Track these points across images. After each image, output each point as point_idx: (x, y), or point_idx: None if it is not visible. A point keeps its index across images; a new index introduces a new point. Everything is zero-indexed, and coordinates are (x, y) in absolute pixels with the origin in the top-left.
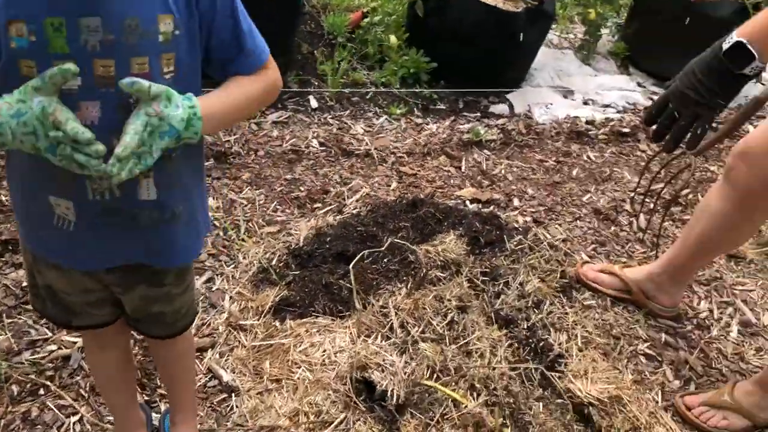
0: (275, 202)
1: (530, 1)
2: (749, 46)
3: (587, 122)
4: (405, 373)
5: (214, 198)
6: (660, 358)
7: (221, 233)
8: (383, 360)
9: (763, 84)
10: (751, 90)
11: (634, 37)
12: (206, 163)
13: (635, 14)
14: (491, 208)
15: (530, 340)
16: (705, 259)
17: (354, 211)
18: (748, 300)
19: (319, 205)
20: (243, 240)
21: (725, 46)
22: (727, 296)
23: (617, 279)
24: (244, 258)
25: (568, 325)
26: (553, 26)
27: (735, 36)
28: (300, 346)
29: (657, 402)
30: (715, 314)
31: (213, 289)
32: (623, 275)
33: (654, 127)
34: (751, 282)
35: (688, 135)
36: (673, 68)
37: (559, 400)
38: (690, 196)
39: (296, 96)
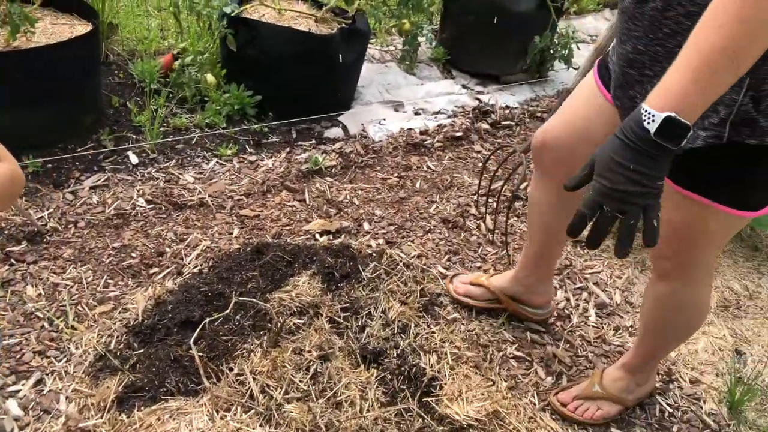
0: (105, 277)
1: (343, 21)
2: (679, 119)
3: (421, 132)
4: None
5: (32, 285)
6: (530, 358)
7: (46, 325)
8: None
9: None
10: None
11: (450, 41)
12: (18, 248)
13: (447, 19)
14: (342, 237)
15: (402, 368)
16: (556, 249)
17: (195, 270)
18: (599, 282)
19: (156, 269)
20: (73, 327)
21: (651, 127)
22: (580, 281)
23: (485, 290)
24: (76, 348)
25: (436, 344)
26: (372, 41)
27: (654, 110)
28: None
29: (534, 404)
30: (572, 302)
31: (44, 392)
32: (489, 285)
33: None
34: (599, 263)
35: (645, 230)
36: (491, 64)
37: (440, 428)
38: (528, 189)
39: (113, 155)
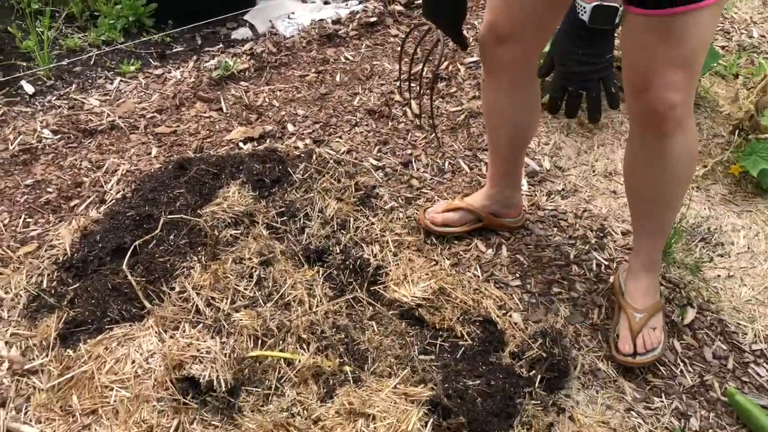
0: (23, 216)
1: None
2: (606, 3)
3: (334, 22)
4: (225, 354)
5: None
6: (469, 235)
7: None
8: (197, 350)
9: None
10: None
11: None
12: None
13: None
14: (267, 142)
15: (347, 263)
16: (523, 150)
17: (118, 196)
18: (528, 151)
19: (77, 201)
20: None
21: (585, 17)
22: None
23: (464, 212)
24: (6, 293)
25: (377, 235)
26: None
27: (584, 2)
28: (104, 366)
29: (478, 277)
30: None
31: None
32: (468, 206)
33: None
34: None
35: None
36: None
37: (391, 313)
38: (450, 68)
39: (4, 87)
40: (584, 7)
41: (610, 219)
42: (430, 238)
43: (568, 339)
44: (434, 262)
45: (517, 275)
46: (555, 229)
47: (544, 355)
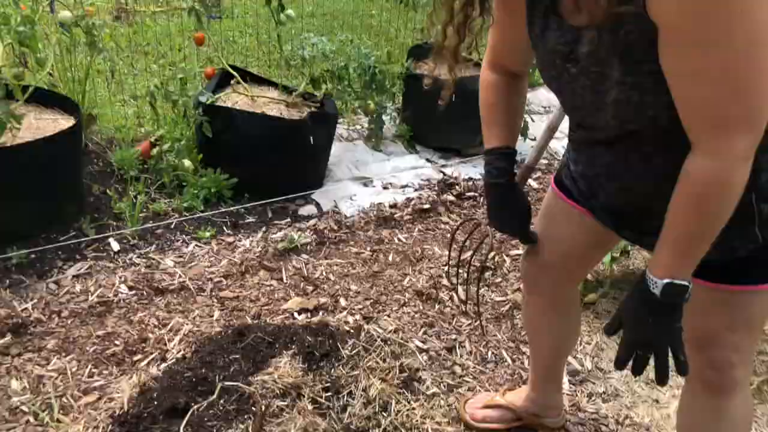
0: (90, 366)
1: (312, 105)
2: (677, 282)
3: (391, 206)
4: None
5: (17, 379)
6: (508, 428)
7: (32, 419)
8: None
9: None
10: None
11: (412, 118)
12: (2, 341)
13: (408, 98)
14: (320, 314)
15: None
16: (563, 361)
17: (178, 355)
18: None
19: (140, 356)
20: (58, 420)
21: (657, 291)
22: None
23: (504, 410)
24: None
25: (417, 421)
26: (340, 121)
27: (655, 278)
28: None
29: None
30: None
31: None
32: (509, 404)
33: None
34: None
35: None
36: (452, 139)
37: None
38: (496, 258)
39: (94, 243)
40: (655, 282)
41: (652, 429)
42: None
43: None
44: None
45: None
46: None
47: None
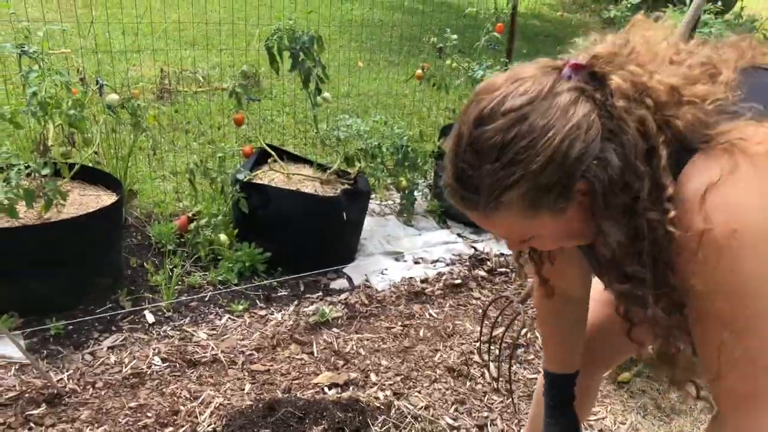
0: None
1: (345, 182)
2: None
3: (422, 281)
4: None
5: None
6: None
7: None
8: None
9: None
10: None
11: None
12: (37, 411)
13: (440, 176)
14: (351, 389)
15: None
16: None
17: (209, 429)
18: (604, 429)
19: (171, 428)
20: None
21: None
22: (586, 428)
23: None
24: None
25: None
26: (372, 197)
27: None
28: None
29: None
30: None
31: None
32: None
33: None
34: (602, 410)
35: None
36: None
37: None
38: (528, 335)
39: (130, 314)
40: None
41: None
42: None
43: None
44: None
45: None
46: None
47: None
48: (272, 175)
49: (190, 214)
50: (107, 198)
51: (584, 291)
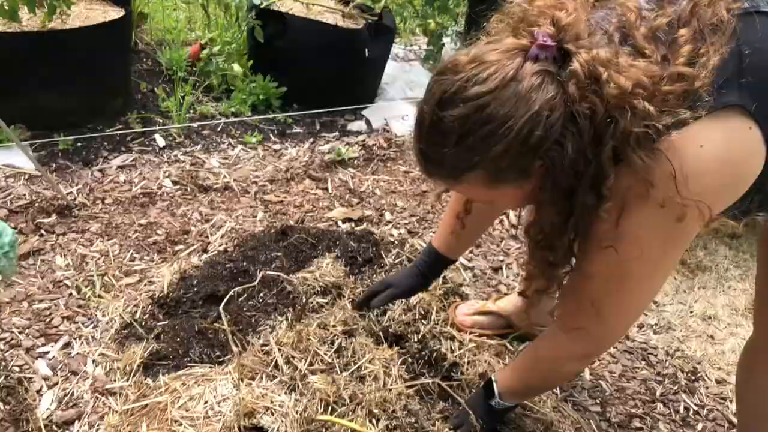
0: (131, 251)
1: (369, 17)
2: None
3: None
4: (297, 412)
5: (61, 256)
6: None
7: (74, 293)
8: (271, 402)
9: None
10: None
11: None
12: (48, 220)
13: (472, 21)
14: (364, 225)
15: (423, 353)
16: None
17: (220, 248)
18: None
19: (181, 246)
20: (100, 296)
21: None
22: None
23: (496, 317)
24: (103, 315)
25: (455, 330)
26: (397, 40)
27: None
28: (178, 401)
29: (556, 394)
30: None
31: (72, 355)
32: (501, 311)
33: None
34: None
35: None
36: None
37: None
38: None
39: (140, 136)
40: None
41: (704, 363)
42: (513, 344)
43: None
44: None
45: (598, 401)
46: (643, 362)
47: None
48: (290, 4)
49: (202, 42)
50: (114, 14)
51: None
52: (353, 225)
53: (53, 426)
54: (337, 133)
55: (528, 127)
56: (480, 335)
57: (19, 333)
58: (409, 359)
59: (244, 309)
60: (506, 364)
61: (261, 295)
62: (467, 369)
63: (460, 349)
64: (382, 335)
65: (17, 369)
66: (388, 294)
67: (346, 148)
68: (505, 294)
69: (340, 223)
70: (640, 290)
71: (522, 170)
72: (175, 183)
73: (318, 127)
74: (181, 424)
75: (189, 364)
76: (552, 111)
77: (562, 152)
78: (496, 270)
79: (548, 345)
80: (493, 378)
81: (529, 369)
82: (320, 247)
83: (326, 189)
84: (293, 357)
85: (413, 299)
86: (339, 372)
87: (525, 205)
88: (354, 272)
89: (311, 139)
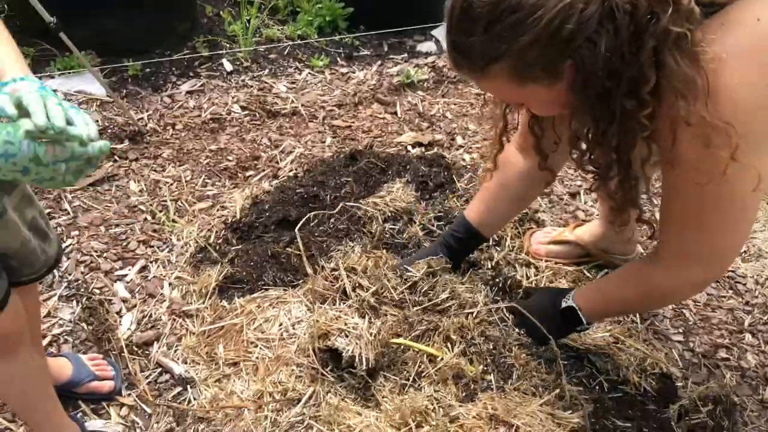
0: (203, 176)
1: None
2: (580, 314)
3: None
4: (371, 335)
5: (135, 181)
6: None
7: (148, 217)
8: (345, 324)
9: None
10: None
11: None
12: (121, 146)
13: None
14: (435, 150)
15: (497, 280)
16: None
17: (290, 174)
18: None
19: (252, 172)
20: (174, 221)
21: (564, 303)
22: None
23: (572, 246)
24: (178, 240)
25: (530, 257)
26: None
27: (571, 300)
28: (253, 323)
29: (636, 323)
30: None
31: (149, 278)
32: (578, 240)
33: None
34: None
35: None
36: None
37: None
38: None
39: (208, 61)
40: (568, 298)
41: None
42: (591, 271)
43: (738, 413)
44: None
45: (680, 330)
46: (730, 291)
47: (711, 423)
48: None
49: None
50: None
51: (545, 180)
52: (423, 150)
53: (133, 346)
54: (405, 55)
55: (559, 18)
56: (556, 263)
57: (98, 256)
58: (483, 286)
59: (316, 234)
60: (582, 287)
61: (332, 220)
62: None
63: (536, 275)
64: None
65: (97, 291)
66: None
67: (415, 71)
68: (583, 221)
69: (409, 148)
70: (733, 203)
71: (550, 67)
72: (243, 108)
73: (386, 49)
74: (256, 346)
75: (263, 287)
76: (587, 4)
77: (595, 51)
78: (574, 195)
79: (662, 274)
80: (575, 306)
81: (631, 300)
82: (390, 172)
83: (395, 113)
84: (361, 285)
85: None
86: (415, 297)
87: (560, 111)
88: (425, 197)
89: (379, 62)
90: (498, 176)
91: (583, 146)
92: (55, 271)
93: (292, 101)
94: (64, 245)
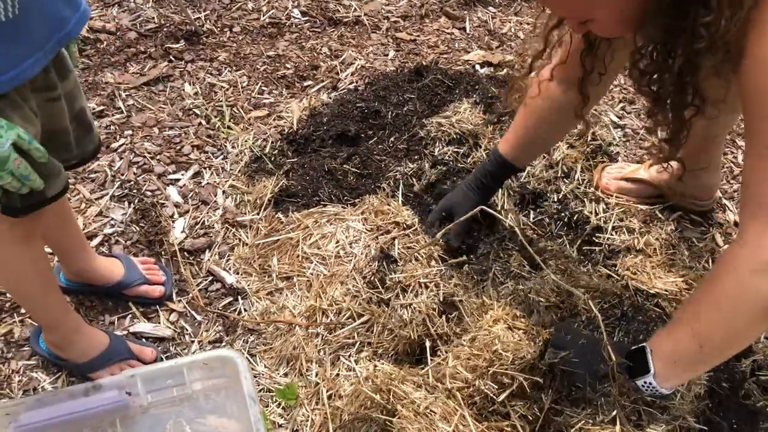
0: (260, 83)
1: None
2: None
3: None
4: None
5: (190, 84)
6: (709, 222)
7: (203, 122)
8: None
9: None
10: None
11: None
12: (177, 45)
13: None
14: (505, 71)
15: (562, 214)
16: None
17: (350, 87)
18: None
19: (311, 82)
20: (229, 128)
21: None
22: None
23: (645, 185)
24: (233, 147)
25: (599, 194)
26: None
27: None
28: (310, 239)
29: (708, 269)
30: None
31: (202, 184)
32: (653, 180)
33: None
34: None
35: None
36: None
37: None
38: None
39: None
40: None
41: None
42: (664, 212)
43: None
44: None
45: None
46: None
47: None
48: None
49: None
50: None
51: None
52: (492, 70)
53: (185, 252)
54: None
55: None
56: (627, 200)
57: (151, 158)
58: (547, 219)
59: (375, 153)
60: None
61: (392, 139)
62: (612, 235)
63: (605, 212)
64: (518, 193)
65: (149, 194)
66: (454, 229)
67: None
68: None
69: (477, 67)
70: None
71: None
72: (303, 14)
73: None
74: (311, 261)
75: (320, 203)
76: None
77: None
78: (650, 131)
79: (748, 240)
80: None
81: (722, 308)
82: (457, 91)
83: (463, 29)
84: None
85: (556, 155)
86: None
87: (624, 31)
88: (493, 121)
89: None
90: (535, 106)
91: (643, 65)
92: (107, 169)
93: (355, 9)
94: (116, 144)
